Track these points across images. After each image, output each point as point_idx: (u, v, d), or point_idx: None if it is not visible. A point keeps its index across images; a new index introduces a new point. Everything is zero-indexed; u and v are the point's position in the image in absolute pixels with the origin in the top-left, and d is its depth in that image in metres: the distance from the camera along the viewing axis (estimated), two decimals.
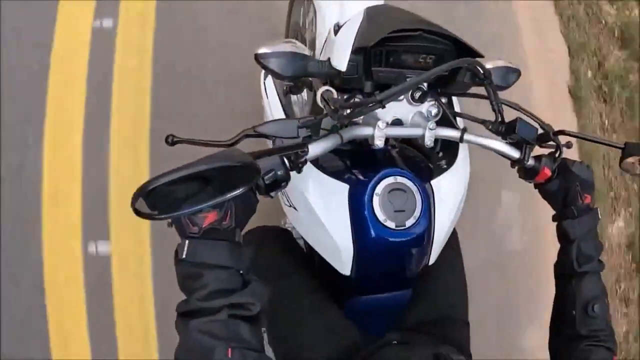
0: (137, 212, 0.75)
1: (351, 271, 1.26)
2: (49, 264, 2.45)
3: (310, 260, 1.41)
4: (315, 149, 1.04)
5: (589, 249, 1.18)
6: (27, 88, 2.66)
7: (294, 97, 1.65)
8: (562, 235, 1.21)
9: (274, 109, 1.47)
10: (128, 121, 2.68)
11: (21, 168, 2.54)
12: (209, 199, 0.79)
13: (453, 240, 1.46)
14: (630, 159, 1.19)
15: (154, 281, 2.48)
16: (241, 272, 0.87)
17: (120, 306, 2.45)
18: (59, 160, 2.59)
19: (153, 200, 0.78)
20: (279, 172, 0.96)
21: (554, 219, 1.24)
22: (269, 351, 1.27)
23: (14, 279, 2.39)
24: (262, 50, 1.11)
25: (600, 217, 1.21)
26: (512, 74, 1.29)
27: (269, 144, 1.16)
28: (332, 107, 1.08)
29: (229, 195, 0.79)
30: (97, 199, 2.54)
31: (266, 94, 1.53)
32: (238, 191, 0.80)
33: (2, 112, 2.58)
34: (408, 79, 1.08)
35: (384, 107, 1.08)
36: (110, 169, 2.60)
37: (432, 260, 1.32)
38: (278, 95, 1.47)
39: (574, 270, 1.17)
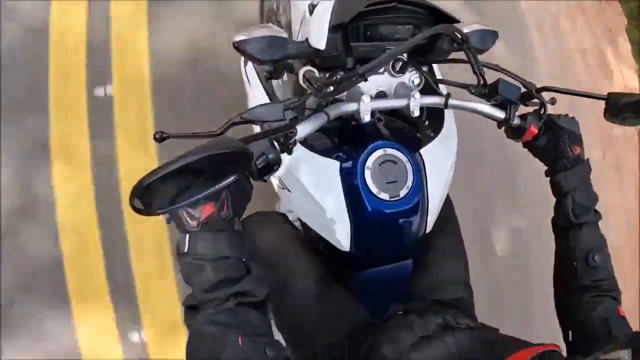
0: (137, 210, 0.76)
1: (350, 247, 1.27)
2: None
3: (309, 242, 1.42)
4: (303, 129, 1.04)
5: (584, 199, 1.19)
6: None
7: (275, 82, 1.65)
8: (556, 189, 1.22)
9: (257, 95, 1.47)
10: None
11: None
12: (205, 189, 0.79)
13: (447, 207, 1.48)
14: (614, 109, 1.21)
15: None
16: (243, 259, 0.88)
17: None
18: None
19: (148, 197, 0.77)
20: (270, 156, 0.97)
21: (547, 174, 1.25)
22: (278, 336, 1.28)
23: None
24: (239, 37, 1.11)
25: (591, 167, 1.23)
26: (489, 36, 1.30)
27: (257, 130, 1.17)
28: (315, 86, 1.08)
29: (224, 182, 0.79)
30: None
31: (248, 81, 1.53)
32: (232, 177, 0.80)
33: None
34: (388, 51, 1.08)
35: (366, 80, 1.09)
36: None
37: (429, 228, 1.33)
38: (260, 81, 1.47)
39: (571, 223, 1.18)
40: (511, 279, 2.89)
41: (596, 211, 1.20)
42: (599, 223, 1.21)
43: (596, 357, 0.80)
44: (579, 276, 1.15)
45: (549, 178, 1.25)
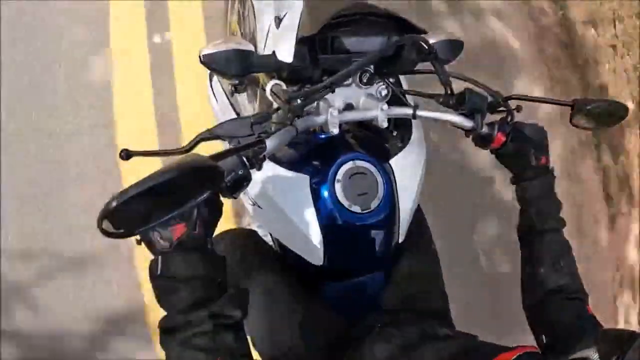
0: (106, 233, 0.74)
1: (323, 261, 1.26)
2: None
3: (281, 257, 1.41)
4: (272, 143, 1.03)
5: (548, 207, 1.21)
6: None
7: (241, 96, 1.64)
8: (521, 197, 1.24)
9: (224, 110, 1.45)
10: None
11: None
12: (175, 208, 0.77)
13: (419, 215, 1.48)
14: (580, 115, 1.23)
15: None
16: (218, 280, 0.86)
17: None
18: None
19: (118, 220, 0.75)
20: (239, 172, 0.95)
21: (512, 181, 1.27)
22: (255, 355, 1.26)
23: None
24: (206, 50, 1.10)
25: (556, 175, 1.24)
26: (456, 46, 1.31)
27: (226, 145, 1.15)
28: (283, 100, 1.07)
29: (196, 201, 0.78)
30: None
31: (214, 96, 1.51)
32: (205, 195, 0.79)
33: None
34: (354, 62, 1.08)
35: (333, 91, 1.08)
36: None
37: (401, 238, 1.33)
38: (226, 95, 1.46)
39: (536, 230, 1.20)
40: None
41: (561, 218, 1.22)
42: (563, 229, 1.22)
43: (565, 358, 0.81)
44: (546, 281, 1.16)
45: (514, 187, 1.26)
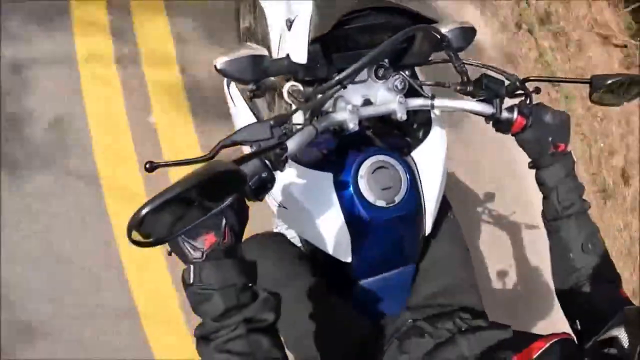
0: (136, 243, 0.75)
1: (352, 257, 1.26)
2: None
3: (310, 258, 1.42)
4: (293, 144, 1.04)
5: (569, 191, 1.19)
6: None
7: (260, 100, 1.65)
8: (541, 185, 1.23)
9: (243, 115, 1.46)
10: None
11: None
12: (202, 214, 0.79)
13: (446, 207, 1.47)
14: (598, 92, 1.22)
15: None
16: (250, 285, 0.88)
17: None
18: None
19: (146, 229, 0.76)
20: (263, 175, 0.96)
21: (530, 166, 1.26)
22: (290, 357, 1.27)
23: None
24: (220, 59, 1.11)
25: (575, 159, 1.23)
26: (468, 33, 1.30)
27: (247, 150, 1.16)
28: (300, 100, 1.08)
29: (222, 206, 0.80)
30: None
31: (233, 102, 1.52)
32: (229, 200, 0.80)
33: None
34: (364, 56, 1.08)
35: (345, 87, 1.09)
36: None
37: (428, 230, 1.33)
38: (245, 100, 1.47)
39: (560, 216, 1.19)
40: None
41: (584, 200, 1.21)
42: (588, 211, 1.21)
43: (595, 339, 0.80)
44: (577, 266, 1.16)
45: (535, 173, 1.25)
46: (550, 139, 1.21)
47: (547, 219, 1.24)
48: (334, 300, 1.34)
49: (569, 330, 1.10)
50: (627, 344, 0.74)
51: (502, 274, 2.88)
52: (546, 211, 1.23)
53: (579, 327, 1.11)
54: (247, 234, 0.97)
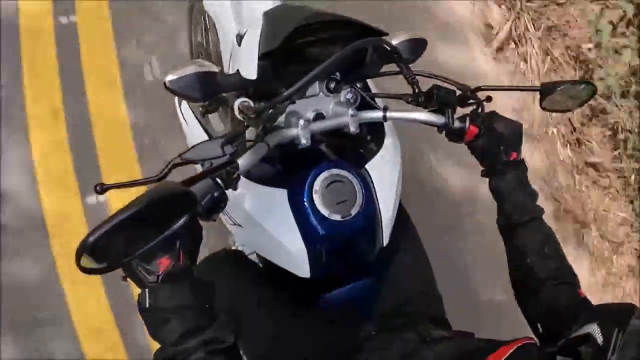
0: (84, 270, 0.74)
1: (310, 272, 1.25)
2: None
3: (269, 274, 1.40)
4: (245, 161, 1.03)
5: (523, 199, 1.21)
6: None
7: (212, 116, 1.63)
8: (495, 192, 1.24)
9: (195, 132, 1.45)
10: None
11: None
12: (154, 237, 0.78)
13: (404, 217, 1.48)
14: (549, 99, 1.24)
15: None
16: (207, 307, 0.86)
17: None
18: None
19: (98, 255, 0.75)
20: (215, 194, 0.95)
21: (482, 174, 1.27)
22: None
23: None
24: (170, 77, 1.09)
25: (527, 165, 1.25)
26: (419, 45, 1.31)
27: (199, 169, 1.15)
28: (250, 116, 1.07)
29: (173, 228, 0.79)
30: None
31: (184, 119, 1.50)
32: (181, 222, 0.79)
33: None
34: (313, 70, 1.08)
35: (293, 102, 1.08)
36: None
37: (385, 242, 1.33)
38: (196, 117, 1.45)
39: (515, 223, 1.20)
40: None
41: (538, 206, 1.22)
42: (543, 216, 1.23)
43: (567, 336, 0.81)
44: (535, 270, 1.16)
45: (488, 182, 1.26)
46: (502, 147, 1.22)
47: (502, 226, 1.25)
48: (295, 316, 1.33)
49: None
50: (601, 339, 0.75)
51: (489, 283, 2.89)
52: (501, 219, 1.24)
53: (540, 330, 1.11)
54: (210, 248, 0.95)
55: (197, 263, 1.33)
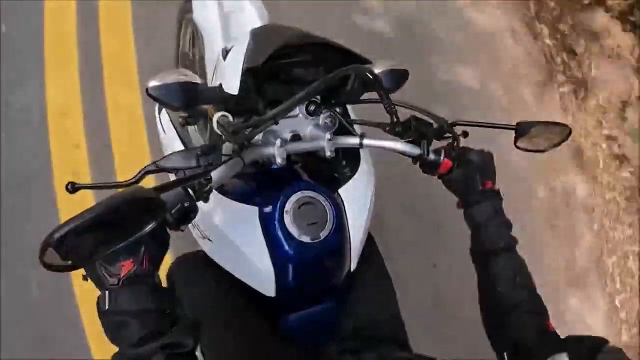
0: (48, 266, 0.74)
1: (276, 292, 1.25)
2: None
3: (238, 286, 1.40)
4: (219, 175, 1.03)
5: (497, 228, 1.22)
6: None
7: (191, 128, 1.63)
8: (470, 222, 1.25)
9: (172, 142, 1.45)
10: None
11: None
12: (120, 241, 0.78)
13: (370, 243, 1.49)
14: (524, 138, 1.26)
15: None
16: (167, 312, 0.86)
17: None
18: None
19: (63, 254, 0.75)
20: (185, 204, 0.95)
21: (458, 206, 1.28)
22: None
23: None
24: (152, 83, 1.09)
25: (503, 197, 1.26)
26: (400, 76, 1.33)
27: (173, 179, 1.15)
28: (229, 132, 1.08)
29: (140, 233, 0.79)
30: None
31: (163, 128, 1.50)
32: (148, 227, 0.79)
33: None
34: (298, 94, 1.09)
35: (277, 123, 1.09)
36: None
37: (354, 266, 1.34)
38: (175, 128, 1.45)
39: (489, 251, 1.21)
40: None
41: (512, 237, 1.23)
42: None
43: None
44: (504, 300, 1.17)
45: (463, 212, 1.27)
46: (478, 176, 1.24)
47: (475, 255, 1.26)
48: (260, 331, 1.33)
49: None
50: None
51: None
52: (474, 248, 1.25)
53: (505, 358, 1.12)
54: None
55: (174, 262, 1.34)
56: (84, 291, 2.28)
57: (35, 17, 2.88)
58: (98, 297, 0.84)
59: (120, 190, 0.84)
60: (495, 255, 1.21)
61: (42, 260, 0.73)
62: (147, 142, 2.66)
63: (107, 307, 0.82)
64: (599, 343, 0.83)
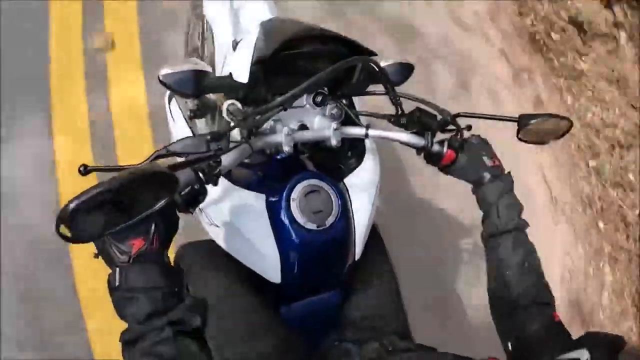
0: (63, 237, 0.75)
1: (281, 278, 1.27)
2: None
3: (242, 272, 1.42)
4: (228, 160, 1.06)
5: (509, 207, 1.22)
6: None
7: (199, 121, 1.66)
8: (482, 202, 1.25)
9: (182, 132, 1.47)
10: None
11: None
12: (133, 216, 0.80)
13: (375, 233, 1.50)
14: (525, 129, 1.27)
15: None
16: (176, 289, 0.88)
17: None
18: None
19: (77, 226, 0.77)
20: (195, 186, 0.98)
21: (473, 191, 1.28)
22: None
23: None
24: (164, 71, 1.11)
25: (513, 179, 1.26)
26: (406, 69, 1.36)
27: None
28: (238, 118, 1.10)
29: (152, 209, 0.81)
30: None
31: (172, 117, 1.53)
32: (160, 204, 0.81)
33: None
34: (305, 82, 1.12)
35: (285, 109, 1.11)
36: None
37: (357, 256, 1.36)
38: (184, 117, 1.48)
39: (499, 231, 1.20)
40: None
41: (522, 219, 1.23)
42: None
43: (554, 357, 0.83)
44: (512, 285, 1.16)
45: (475, 195, 1.28)
46: (483, 153, 1.25)
47: (486, 235, 1.25)
48: (263, 319, 1.34)
49: None
50: None
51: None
52: (485, 227, 1.25)
53: (510, 348, 1.12)
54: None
55: (180, 248, 1.35)
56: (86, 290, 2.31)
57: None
58: (108, 275, 0.85)
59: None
60: (505, 236, 1.20)
61: (58, 231, 0.74)
62: None
63: (117, 284, 0.84)
64: (617, 341, 0.84)
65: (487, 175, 1.24)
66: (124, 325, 0.85)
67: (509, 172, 1.27)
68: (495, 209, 1.22)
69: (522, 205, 1.24)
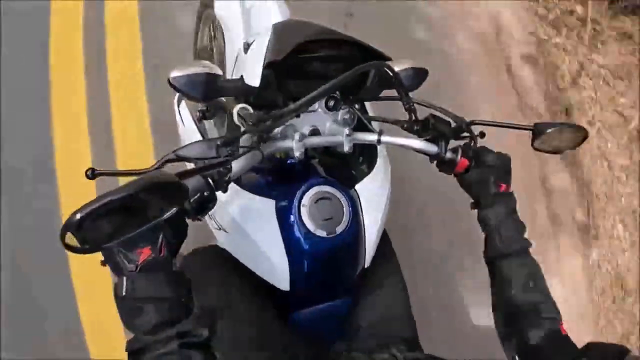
0: (69, 247, 0.74)
1: (290, 286, 1.26)
2: None
3: (250, 279, 1.40)
4: (238, 166, 1.04)
5: (510, 230, 1.21)
6: None
7: (209, 123, 1.64)
8: (483, 224, 1.25)
9: (191, 135, 1.45)
10: None
11: None
12: (141, 225, 0.78)
13: (385, 241, 1.49)
14: (541, 138, 1.25)
15: None
16: (183, 300, 0.86)
17: None
18: None
19: (82, 236, 0.75)
20: (204, 193, 0.96)
21: (472, 207, 1.28)
22: None
23: None
24: (174, 73, 1.09)
25: (517, 198, 1.25)
26: (420, 74, 1.33)
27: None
28: (250, 123, 1.08)
29: (161, 218, 0.79)
30: None
31: (182, 120, 1.51)
32: (169, 213, 0.80)
33: None
34: (319, 88, 1.10)
35: (298, 116, 1.10)
36: None
37: (367, 263, 1.34)
38: (194, 121, 1.46)
39: (502, 254, 1.20)
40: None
41: (526, 239, 1.22)
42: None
43: None
44: (518, 303, 1.16)
45: (475, 211, 1.27)
46: (493, 179, 1.23)
47: (488, 257, 1.25)
48: (271, 326, 1.33)
49: None
50: None
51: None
52: (488, 249, 1.24)
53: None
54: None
55: (190, 253, 1.34)
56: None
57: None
58: (115, 284, 0.83)
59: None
60: (508, 258, 1.20)
61: (63, 240, 0.73)
62: None
63: (123, 293, 0.82)
64: (621, 351, 0.83)
65: (489, 200, 1.23)
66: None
67: (512, 193, 1.26)
68: (497, 233, 1.21)
69: (525, 226, 1.23)
